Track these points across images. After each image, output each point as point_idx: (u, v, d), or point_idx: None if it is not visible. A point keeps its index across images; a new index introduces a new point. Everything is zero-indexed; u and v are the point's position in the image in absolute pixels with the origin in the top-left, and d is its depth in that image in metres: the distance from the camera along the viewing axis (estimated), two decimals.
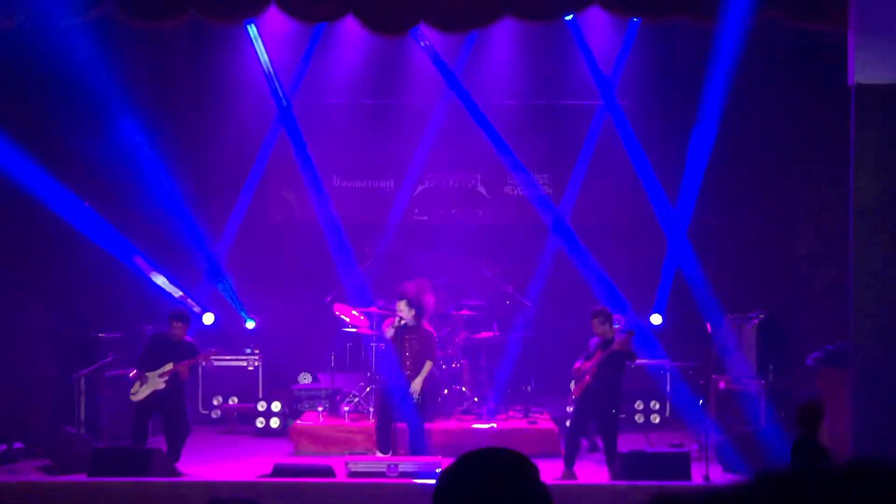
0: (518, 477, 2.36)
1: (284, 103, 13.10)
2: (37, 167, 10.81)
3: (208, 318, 12.86)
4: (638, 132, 13.03)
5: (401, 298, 10.37)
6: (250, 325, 13.29)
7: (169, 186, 12.54)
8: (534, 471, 2.40)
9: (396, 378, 10.20)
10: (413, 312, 10.31)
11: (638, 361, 12.28)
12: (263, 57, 12.51)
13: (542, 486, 2.38)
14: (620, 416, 10.19)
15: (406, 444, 10.25)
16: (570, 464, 9.72)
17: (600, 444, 10.27)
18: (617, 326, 11.54)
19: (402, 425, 10.26)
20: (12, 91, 10.98)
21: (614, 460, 9.52)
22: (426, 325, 10.47)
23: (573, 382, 10.16)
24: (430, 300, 11.08)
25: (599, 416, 9.89)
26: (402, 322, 10.29)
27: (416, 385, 10.17)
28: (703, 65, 12.56)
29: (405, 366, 10.24)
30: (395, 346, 10.31)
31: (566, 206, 13.54)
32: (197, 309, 12.67)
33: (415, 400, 10.15)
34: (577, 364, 9.96)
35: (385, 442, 10.21)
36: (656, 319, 12.55)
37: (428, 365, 10.30)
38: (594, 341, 9.99)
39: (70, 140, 11.00)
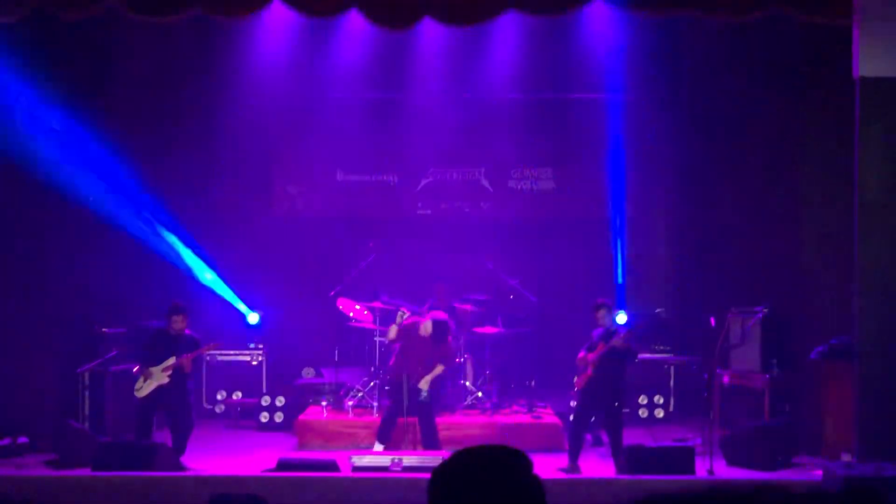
0: (510, 472, 2.38)
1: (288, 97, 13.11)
2: (46, 160, 10.83)
3: (253, 318, 13.09)
4: (640, 125, 13.02)
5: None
6: (254, 318, 13.30)
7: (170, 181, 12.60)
8: (527, 465, 2.41)
9: (407, 373, 10.18)
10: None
11: (641, 356, 12.31)
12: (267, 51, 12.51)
13: (536, 480, 2.40)
14: (624, 409, 10.16)
15: (418, 439, 10.25)
16: (574, 458, 9.69)
17: (605, 438, 10.27)
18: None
19: (412, 419, 10.25)
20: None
21: (620, 454, 9.49)
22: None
23: (576, 374, 10.08)
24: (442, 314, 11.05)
25: (603, 410, 9.85)
26: (405, 316, 10.32)
27: (425, 383, 10.18)
28: (706, 57, 12.56)
29: (416, 362, 10.24)
30: (406, 342, 10.33)
31: (572, 200, 13.53)
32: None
33: (422, 397, 10.15)
34: (581, 354, 9.92)
35: (387, 434, 10.21)
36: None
37: (439, 367, 10.31)
38: (598, 332, 9.94)
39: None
